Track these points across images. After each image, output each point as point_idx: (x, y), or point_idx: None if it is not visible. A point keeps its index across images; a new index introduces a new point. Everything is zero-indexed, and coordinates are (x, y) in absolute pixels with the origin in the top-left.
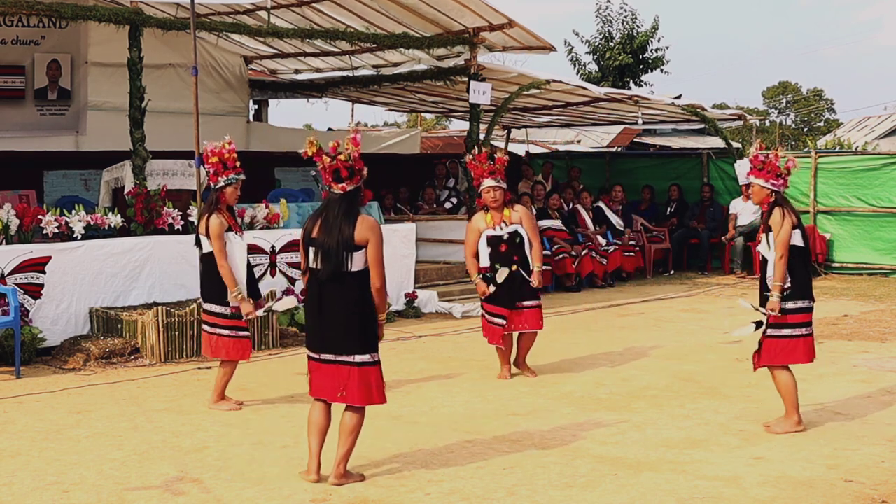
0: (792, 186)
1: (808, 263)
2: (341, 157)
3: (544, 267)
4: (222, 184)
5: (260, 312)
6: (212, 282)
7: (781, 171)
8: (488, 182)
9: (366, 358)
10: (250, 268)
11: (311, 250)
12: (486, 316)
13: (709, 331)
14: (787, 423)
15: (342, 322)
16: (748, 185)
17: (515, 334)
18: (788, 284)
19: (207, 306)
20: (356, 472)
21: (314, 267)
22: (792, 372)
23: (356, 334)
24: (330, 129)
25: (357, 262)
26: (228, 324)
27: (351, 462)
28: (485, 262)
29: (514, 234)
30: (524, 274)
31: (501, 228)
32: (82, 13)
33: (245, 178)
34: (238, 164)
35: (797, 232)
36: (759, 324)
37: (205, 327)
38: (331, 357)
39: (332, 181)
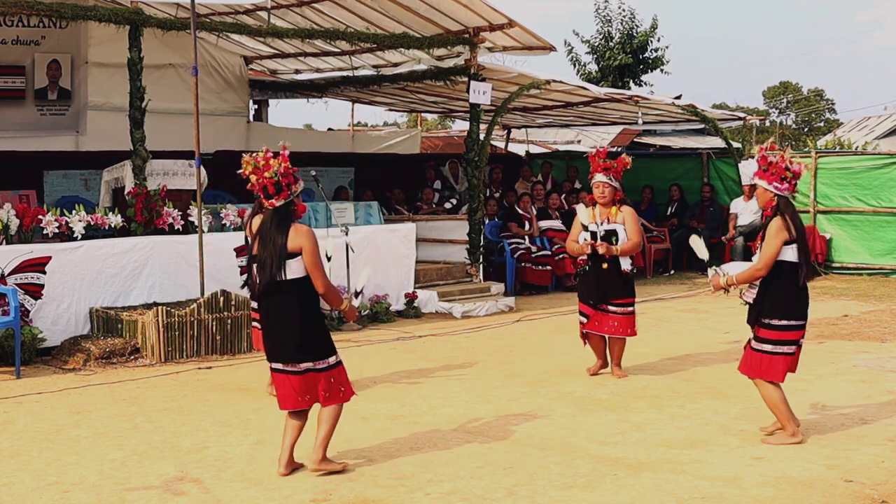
0: None
1: (798, 281)
2: (266, 174)
3: (544, 267)
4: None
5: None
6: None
7: (787, 174)
8: (599, 177)
9: (311, 365)
10: None
11: (255, 268)
12: (579, 316)
13: (709, 331)
14: (783, 436)
15: (287, 332)
16: (752, 186)
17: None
18: (750, 298)
19: (253, 303)
20: (339, 461)
21: (258, 281)
22: (778, 385)
23: (302, 342)
24: (330, 130)
25: (293, 270)
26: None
27: (351, 460)
28: (583, 255)
29: (611, 233)
30: (616, 272)
31: (600, 225)
32: (82, 13)
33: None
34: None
35: (791, 248)
36: (709, 263)
37: (253, 323)
38: (279, 367)
39: (263, 198)
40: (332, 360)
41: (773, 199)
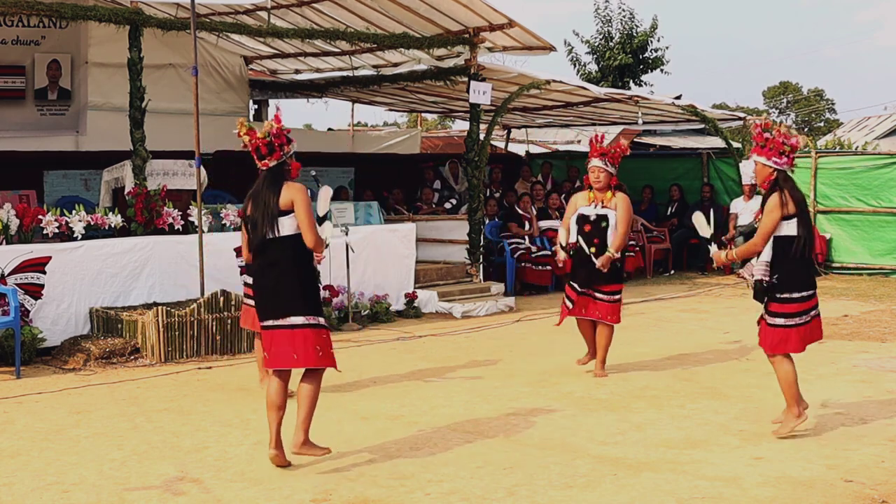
0: None
1: (802, 254)
2: (259, 134)
3: (544, 267)
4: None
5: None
6: None
7: (785, 148)
8: (596, 161)
9: (301, 320)
10: None
11: (248, 227)
12: (564, 298)
13: (709, 331)
14: (788, 418)
15: (278, 287)
16: (752, 185)
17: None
18: (760, 275)
19: (244, 277)
20: (322, 445)
21: (251, 239)
22: (792, 361)
23: (290, 297)
24: (330, 130)
25: (286, 227)
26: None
27: (351, 461)
28: (573, 237)
29: (602, 217)
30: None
31: (593, 208)
32: (82, 13)
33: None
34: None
35: (792, 222)
36: (710, 240)
37: (245, 300)
38: (270, 323)
39: (256, 159)
40: (321, 319)
41: (772, 174)
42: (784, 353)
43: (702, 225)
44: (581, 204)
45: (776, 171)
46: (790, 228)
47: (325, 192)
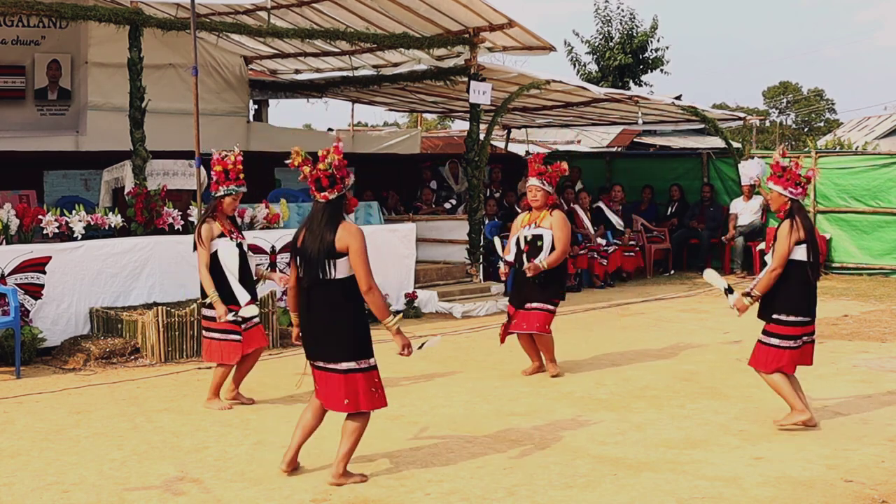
0: None
1: (808, 279)
2: (321, 166)
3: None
4: (221, 193)
5: (229, 317)
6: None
7: (801, 179)
8: (533, 181)
9: (351, 365)
10: (249, 272)
11: (298, 259)
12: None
13: (709, 331)
14: (792, 415)
15: (328, 330)
16: (751, 186)
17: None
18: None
19: (203, 311)
20: (357, 472)
21: (301, 275)
22: (782, 373)
23: (341, 341)
24: (330, 130)
25: (340, 270)
26: (217, 326)
27: (351, 461)
28: (510, 258)
29: (537, 237)
30: (538, 276)
31: (529, 229)
32: (82, 13)
33: (246, 191)
34: (242, 175)
35: (802, 247)
36: (729, 290)
37: (203, 331)
38: (320, 364)
39: (315, 190)
40: (372, 361)
41: (787, 203)
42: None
43: (715, 279)
44: (519, 226)
45: (791, 201)
46: (800, 253)
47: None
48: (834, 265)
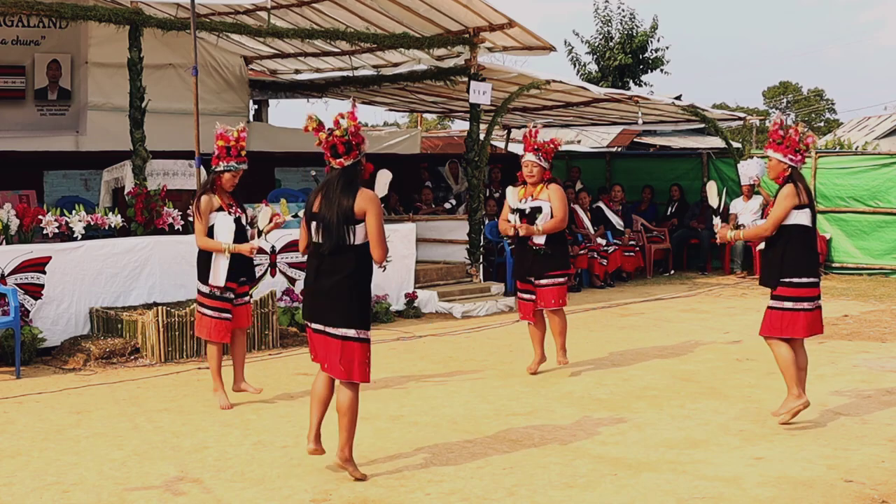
0: None
1: (813, 245)
2: (337, 132)
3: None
4: (221, 169)
5: (260, 242)
6: (199, 261)
7: (800, 146)
8: (529, 156)
9: (350, 333)
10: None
11: (314, 225)
12: (518, 293)
13: (709, 331)
14: (789, 400)
15: (334, 294)
16: (750, 186)
17: (548, 323)
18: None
19: (197, 285)
20: (360, 471)
21: (317, 241)
22: (790, 346)
23: (346, 308)
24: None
25: (359, 236)
26: (210, 304)
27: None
28: (511, 232)
29: (535, 210)
30: (547, 250)
31: (526, 202)
32: (82, 13)
33: (247, 167)
34: (244, 153)
35: (804, 212)
36: (719, 212)
37: (223, 314)
38: (319, 327)
39: (331, 157)
40: (369, 334)
41: (787, 170)
42: (782, 338)
43: (713, 194)
44: (511, 203)
45: (790, 168)
46: (803, 218)
47: (384, 176)
48: (834, 265)
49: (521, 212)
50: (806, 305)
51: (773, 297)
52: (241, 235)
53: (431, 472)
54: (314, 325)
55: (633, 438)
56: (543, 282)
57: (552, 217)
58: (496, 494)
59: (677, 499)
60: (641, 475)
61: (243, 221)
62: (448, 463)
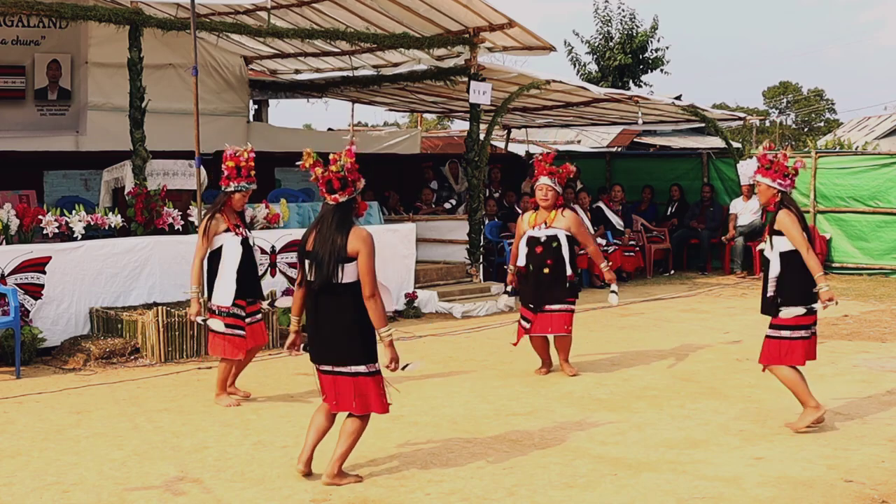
0: None
1: (805, 267)
2: (333, 168)
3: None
4: (232, 189)
5: (198, 319)
6: (208, 277)
7: (789, 171)
8: (544, 180)
9: (361, 368)
10: (254, 268)
11: (307, 262)
12: (520, 319)
13: (709, 331)
14: (806, 413)
15: (337, 333)
16: (750, 186)
17: (551, 337)
18: (772, 291)
19: (210, 304)
20: (353, 473)
21: (310, 279)
22: (794, 368)
23: (351, 345)
24: (330, 130)
25: (349, 274)
26: (223, 321)
27: (351, 462)
28: (522, 261)
29: (552, 238)
30: (557, 277)
31: (541, 230)
32: (82, 13)
33: (255, 188)
34: (252, 173)
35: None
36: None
37: (235, 331)
38: (328, 368)
39: (326, 192)
40: (378, 365)
41: (777, 195)
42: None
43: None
44: (524, 228)
45: (780, 193)
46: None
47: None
48: (834, 265)
49: (535, 240)
50: (803, 333)
51: (771, 326)
52: (247, 257)
53: (431, 472)
54: (323, 367)
55: (633, 438)
56: (555, 307)
57: (568, 247)
58: (496, 494)
59: (677, 499)
60: (641, 475)
61: (250, 242)
62: (448, 463)
